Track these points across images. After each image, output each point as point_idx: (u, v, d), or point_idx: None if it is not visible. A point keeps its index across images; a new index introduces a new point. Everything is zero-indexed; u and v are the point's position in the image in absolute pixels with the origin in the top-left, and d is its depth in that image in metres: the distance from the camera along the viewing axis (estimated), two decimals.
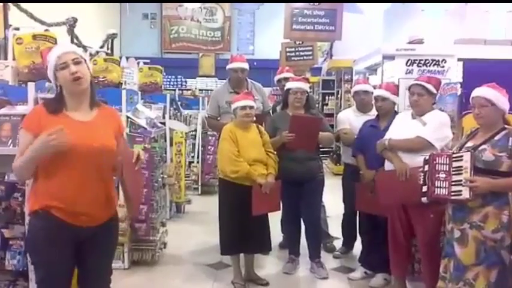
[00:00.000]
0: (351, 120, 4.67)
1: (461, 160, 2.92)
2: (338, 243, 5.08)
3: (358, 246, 4.72)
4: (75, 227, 2.33)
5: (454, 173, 2.93)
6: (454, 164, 2.94)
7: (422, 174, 3.11)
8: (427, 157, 3.12)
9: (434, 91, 3.64)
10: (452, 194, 2.92)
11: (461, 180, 2.88)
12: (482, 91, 3.00)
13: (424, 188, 3.07)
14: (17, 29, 3.99)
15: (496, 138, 2.95)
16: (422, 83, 3.58)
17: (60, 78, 2.33)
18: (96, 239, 2.42)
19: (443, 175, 2.97)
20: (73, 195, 2.29)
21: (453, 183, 2.92)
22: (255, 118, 4.10)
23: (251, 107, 4.01)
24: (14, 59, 3.75)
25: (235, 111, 4.02)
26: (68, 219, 2.31)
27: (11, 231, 2.96)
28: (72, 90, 2.34)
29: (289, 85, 4.39)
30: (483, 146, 2.94)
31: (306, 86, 4.35)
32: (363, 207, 4.25)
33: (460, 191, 2.88)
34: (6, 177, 2.96)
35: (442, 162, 3.00)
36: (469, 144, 3.05)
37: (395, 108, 4.65)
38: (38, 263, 2.42)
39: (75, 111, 2.38)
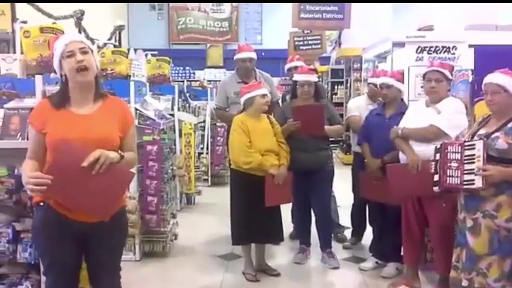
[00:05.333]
0: (361, 109, 4.63)
1: (474, 148, 2.87)
2: (349, 233, 5.06)
3: (367, 237, 4.70)
4: (76, 221, 2.30)
5: (466, 161, 2.88)
6: (466, 153, 2.89)
7: (433, 163, 3.06)
8: (439, 146, 3.08)
9: (451, 77, 3.61)
10: (465, 183, 2.88)
11: (473, 169, 2.83)
12: (495, 77, 2.94)
13: (436, 177, 3.02)
14: (25, 22, 3.98)
15: (509, 125, 2.88)
16: (439, 69, 3.54)
17: (66, 67, 2.30)
18: (100, 234, 2.37)
19: (455, 164, 2.92)
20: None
21: (465, 172, 2.88)
22: None
23: (267, 95, 4.06)
24: (22, 52, 3.74)
25: (254, 100, 3.98)
26: (68, 214, 2.29)
27: (22, 224, 2.96)
28: (76, 80, 2.31)
29: (296, 77, 4.36)
30: (496, 134, 2.88)
31: (313, 78, 4.31)
32: (368, 195, 4.24)
33: (473, 180, 2.83)
34: (15, 170, 2.96)
35: (454, 150, 2.95)
36: (481, 131, 2.99)
37: (406, 96, 4.61)
38: (42, 254, 2.46)
39: (79, 104, 2.36)
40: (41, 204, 2.34)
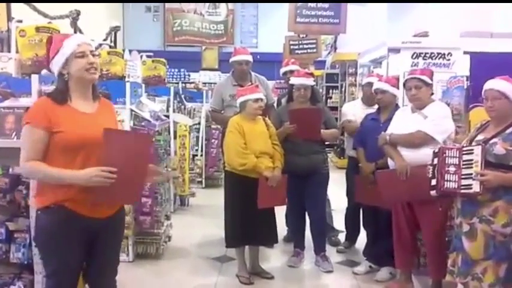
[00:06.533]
0: (355, 112, 4.65)
1: (472, 153, 2.87)
2: (343, 237, 5.07)
3: (361, 241, 4.71)
4: (89, 218, 2.33)
5: (464, 166, 2.88)
6: (464, 157, 2.89)
7: (431, 167, 3.07)
8: (437, 150, 3.09)
9: (430, 81, 3.63)
10: (462, 187, 2.88)
11: (471, 174, 2.84)
12: (496, 83, 2.95)
13: (433, 182, 3.02)
14: (20, 21, 3.95)
15: (508, 131, 2.89)
16: (417, 76, 3.58)
17: (74, 66, 2.32)
18: (107, 230, 2.43)
19: (453, 168, 2.92)
20: (88, 187, 2.26)
21: (463, 176, 2.88)
22: None
23: (262, 100, 4.02)
24: (17, 51, 3.72)
25: (246, 104, 3.98)
26: (83, 212, 2.31)
27: (15, 224, 2.93)
28: (84, 78, 2.34)
29: (293, 81, 4.37)
30: (494, 140, 2.89)
31: (309, 82, 4.31)
32: (363, 199, 4.26)
33: (470, 184, 2.83)
34: (10, 169, 2.94)
35: (452, 155, 2.95)
36: (480, 137, 3.00)
37: (400, 101, 4.64)
38: (49, 257, 2.39)
39: (79, 101, 2.38)
40: (51, 207, 2.30)
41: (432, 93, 3.75)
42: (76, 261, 2.39)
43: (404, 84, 3.69)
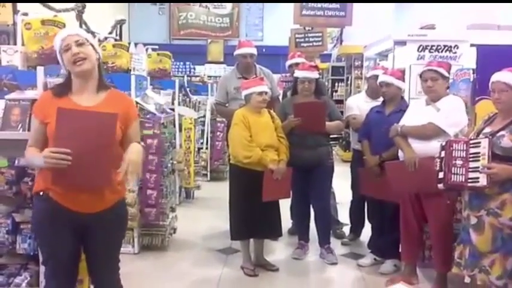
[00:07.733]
0: (360, 106, 4.63)
1: (479, 146, 2.86)
2: (347, 230, 5.07)
3: (366, 233, 4.71)
4: (74, 212, 2.31)
5: (471, 159, 2.87)
6: (471, 150, 2.88)
7: (438, 160, 3.06)
8: (444, 143, 3.07)
9: (447, 74, 3.60)
10: (469, 180, 2.87)
11: (478, 167, 2.83)
12: (503, 76, 2.93)
13: (441, 175, 3.01)
14: (26, 14, 3.96)
15: None
16: (434, 68, 3.55)
17: (65, 61, 2.35)
18: (97, 226, 2.38)
19: (460, 161, 2.91)
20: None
21: (470, 169, 2.87)
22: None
23: (266, 93, 4.01)
24: (22, 44, 3.73)
25: (251, 97, 3.98)
26: (66, 204, 2.30)
27: (21, 215, 2.94)
28: (74, 71, 2.33)
29: (297, 74, 4.36)
30: (501, 132, 2.87)
31: (314, 75, 4.29)
32: (367, 191, 4.26)
33: (478, 177, 2.83)
34: (16, 161, 2.95)
35: (459, 148, 2.94)
36: (487, 130, 2.98)
37: (406, 94, 4.61)
38: (41, 244, 2.49)
39: (81, 94, 2.37)
40: (41, 194, 2.34)
41: (448, 87, 3.72)
42: (65, 251, 2.37)
43: (420, 76, 3.66)
